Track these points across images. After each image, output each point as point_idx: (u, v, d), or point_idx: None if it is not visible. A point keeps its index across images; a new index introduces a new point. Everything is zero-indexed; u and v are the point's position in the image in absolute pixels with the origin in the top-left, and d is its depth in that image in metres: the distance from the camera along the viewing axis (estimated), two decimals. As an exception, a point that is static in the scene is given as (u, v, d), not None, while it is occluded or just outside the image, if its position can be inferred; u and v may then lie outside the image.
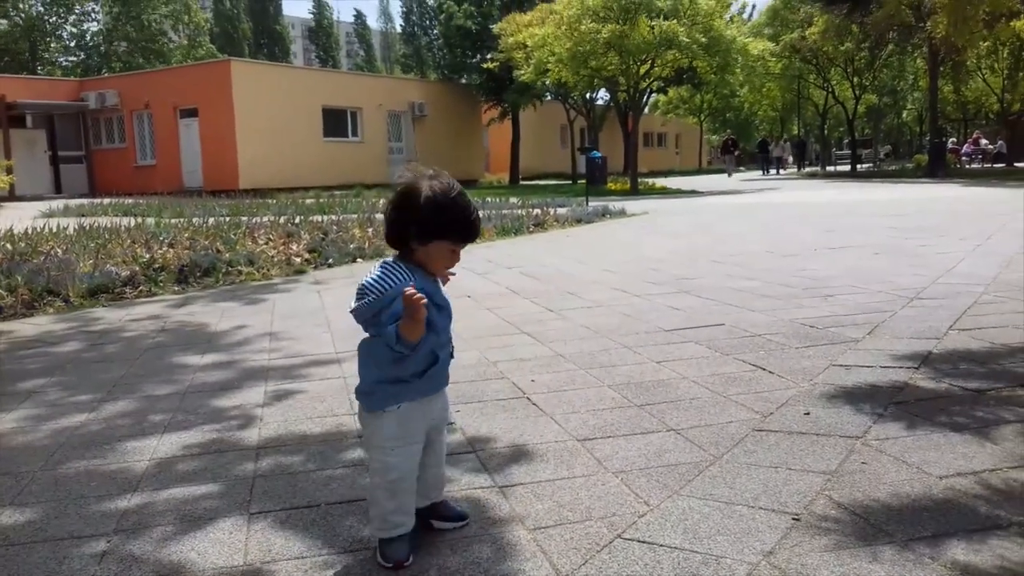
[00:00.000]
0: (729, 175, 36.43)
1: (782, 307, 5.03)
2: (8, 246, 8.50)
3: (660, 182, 27.04)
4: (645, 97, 25.93)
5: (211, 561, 2.03)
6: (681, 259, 7.71)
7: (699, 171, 48.53)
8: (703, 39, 21.29)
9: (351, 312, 1.94)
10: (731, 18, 24.92)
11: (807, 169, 43.11)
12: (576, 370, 3.71)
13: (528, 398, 3.30)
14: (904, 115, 58.69)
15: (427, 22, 51.72)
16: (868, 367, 3.52)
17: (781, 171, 39.99)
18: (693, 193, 21.84)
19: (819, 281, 5.97)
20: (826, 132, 49.88)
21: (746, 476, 2.39)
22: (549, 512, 2.21)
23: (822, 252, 7.81)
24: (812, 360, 3.69)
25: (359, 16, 73.45)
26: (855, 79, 37.39)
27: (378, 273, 1.92)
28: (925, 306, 4.86)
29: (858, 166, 38.49)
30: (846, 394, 3.14)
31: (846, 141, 48.50)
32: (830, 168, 42.50)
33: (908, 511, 2.11)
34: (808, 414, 2.92)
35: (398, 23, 67.93)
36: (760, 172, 39.98)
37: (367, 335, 2.00)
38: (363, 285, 1.91)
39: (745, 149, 68.75)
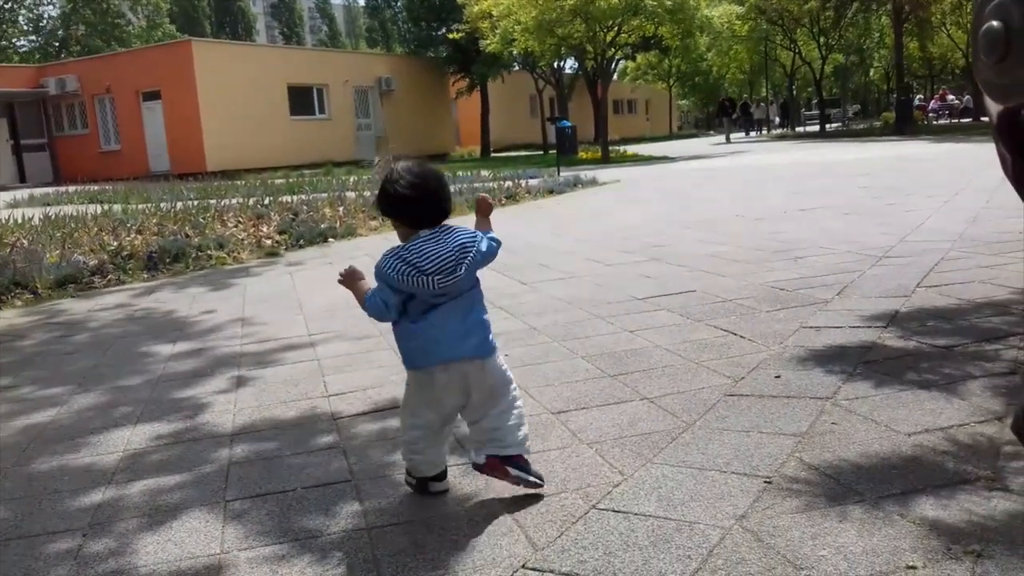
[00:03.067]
0: (727, 139, 34.66)
1: (753, 271, 5.06)
2: (-29, 239, 8.35)
3: (631, 149, 27.02)
4: (613, 64, 25.85)
5: (188, 550, 2.03)
6: (653, 226, 7.73)
7: (670, 136, 48.55)
8: (668, 3, 21.22)
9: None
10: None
11: (776, 131, 43.21)
12: (550, 343, 3.72)
13: (502, 373, 3.30)
14: (871, 73, 58.93)
15: (391, -6, 51.08)
16: (837, 328, 3.55)
17: (763, 132, 39.93)
18: (664, 159, 21.86)
19: (789, 244, 6.01)
20: (795, 93, 50.00)
21: (718, 442, 2.41)
22: (525, 486, 2.22)
23: (792, 214, 7.86)
24: (782, 323, 3.73)
25: (321, -10, 72.46)
26: (821, 39, 37.41)
27: None
28: (893, 265, 4.91)
29: (827, 126, 38.65)
30: (816, 356, 3.17)
31: (814, 102, 48.66)
32: (799, 129, 42.65)
33: (877, 469, 2.14)
34: (779, 377, 2.95)
35: (361, -3, 67.02)
36: (743, 134, 39.84)
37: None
38: None
39: (715, 113, 68.92)
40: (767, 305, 4.11)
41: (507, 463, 2.14)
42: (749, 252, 5.79)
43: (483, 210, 2.40)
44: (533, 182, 13.32)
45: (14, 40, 45.82)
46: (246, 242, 8.05)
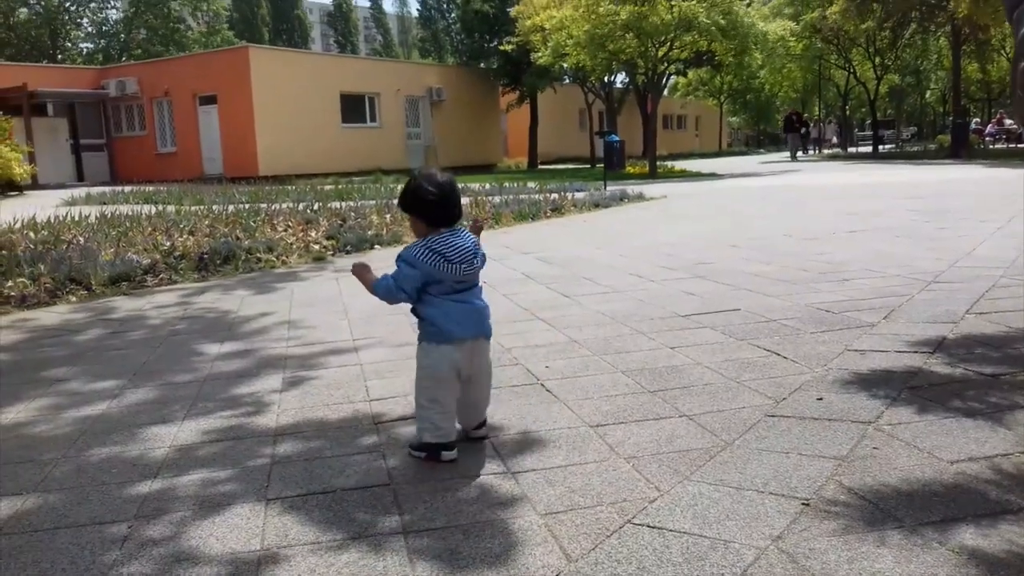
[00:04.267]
0: (793, 157, 33.10)
1: (798, 292, 5.01)
2: (31, 235, 8.61)
3: (679, 165, 26.91)
4: (664, 80, 25.73)
5: (229, 546, 2.07)
6: (698, 243, 7.69)
7: (719, 153, 48.22)
8: (722, 21, 21.10)
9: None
10: (750, 3, 24.65)
11: (829, 151, 42.67)
12: (590, 356, 3.73)
13: (542, 384, 3.33)
14: (927, 95, 57.98)
15: (444, 5, 51.54)
16: (883, 352, 3.51)
17: (816, 151, 39.26)
18: (712, 176, 21.72)
19: (836, 265, 5.95)
20: (848, 113, 49.37)
21: (757, 461, 2.40)
22: (560, 497, 2.24)
23: (840, 236, 7.76)
24: (827, 345, 3.69)
25: (375, 2, 73.29)
26: (877, 59, 36.94)
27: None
28: (942, 290, 4.83)
29: (880, 147, 38.08)
30: (860, 379, 3.14)
31: (868, 122, 47.97)
32: (852, 150, 42.07)
33: (918, 496, 2.11)
34: (821, 399, 2.93)
35: (415, 7, 67.73)
36: (811, 152, 39.12)
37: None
38: None
39: (767, 132, 68.17)
40: (812, 326, 4.07)
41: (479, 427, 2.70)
42: (795, 272, 5.73)
43: (476, 230, 2.73)
44: (579, 195, 13.33)
45: (78, 42, 47.20)
46: (295, 246, 8.18)
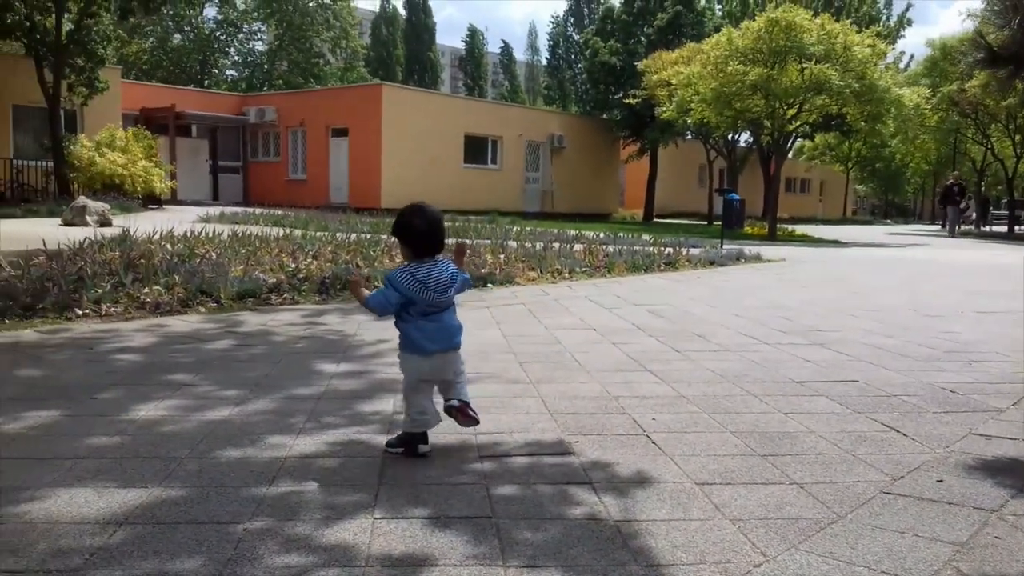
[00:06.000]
0: (951, 233, 30.02)
1: (921, 368, 4.82)
2: (168, 247, 9.14)
3: (800, 229, 26.31)
4: (790, 141, 25.31)
5: (335, 557, 2.14)
6: (816, 309, 7.49)
7: (843, 220, 46.91)
8: (856, 85, 20.63)
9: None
10: (886, 67, 24.06)
11: (964, 227, 40.93)
12: (699, 413, 3.69)
13: (648, 436, 3.31)
14: (1072, 177, 54.90)
15: (572, 56, 52.37)
16: (1011, 439, 3.34)
17: (962, 226, 37.62)
18: (835, 243, 21.13)
19: (963, 345, 5.68)
20: (983, 189, 47.27)
21: (870, 538, 2.32)
22: (662, 551, 2.22)
23: (968, 315, 7.42)
24: (950, 426, 3.53)
25: (506, 48, 75.10)
26: (1017, 137, 35.33)
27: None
28: (1081, 381, 4.55)
29: (1016, 227, 36.23)
30: (984, 465, 2.99)
31: (1004, 201, 45.77)
32: (986, 228, 40.19)
33: (1045, 594, 2.00)
34: (941, 481, 2.81)
35: (544, 56, 69.07)
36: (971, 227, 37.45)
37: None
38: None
39: (895, 202, 65.90)
40: (934, 406, 3.91)
41: (467, 406, 3.00)
42: (918, 348, 5.51)
43: (460, 252, 3.25)
44: (695, 251, 13.19)
45: (224, 69, 50.15)
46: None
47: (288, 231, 13.07)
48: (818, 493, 2.69)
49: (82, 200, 16.01)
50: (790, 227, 26.64)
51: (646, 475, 2.83)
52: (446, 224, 3.39)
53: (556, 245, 12.64)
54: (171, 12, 39.92)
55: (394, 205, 24.84)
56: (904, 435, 3.39)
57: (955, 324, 6.76)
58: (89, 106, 22.14)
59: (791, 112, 22.11)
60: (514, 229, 16.46)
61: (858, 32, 22.22)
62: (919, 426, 3.53)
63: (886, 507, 2.58)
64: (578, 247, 12.47)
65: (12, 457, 2.89)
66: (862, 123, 22.91)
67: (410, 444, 2.97)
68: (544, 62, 68.00)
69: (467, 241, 3.42)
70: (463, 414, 3.01)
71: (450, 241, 3.77)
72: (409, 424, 2.99)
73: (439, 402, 3.07)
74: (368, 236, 12.17)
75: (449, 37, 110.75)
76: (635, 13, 34.66)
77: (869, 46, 21.38)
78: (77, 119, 23.24)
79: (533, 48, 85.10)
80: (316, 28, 47.38)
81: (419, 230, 2.96)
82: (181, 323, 5.83)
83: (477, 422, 3.05)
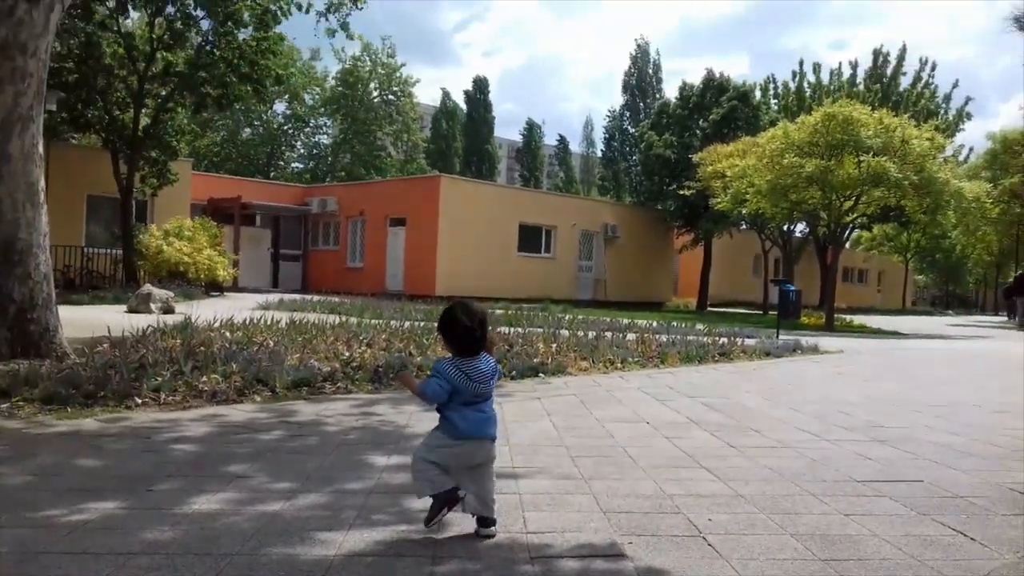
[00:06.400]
0: (1021, 325, 29.40)
1: (988, 468, 4.63)
2: (228, 334, 9.33)
3: (858, 320, 25.82)
4: (847, 232, 25.05)
5: (382, 662, 2.10)
6: (877, 404, 7.29)
7: (903, 311, 45.95)
8: (914, 177, 20.47)
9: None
10: (945, 160, 23.88)
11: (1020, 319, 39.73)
12: (756, 513, 3.58)
13: (704, 537, 3.21)
14: None
15: (627, 149, 53.13)
16: (1091, 550, 3.16)
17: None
18: (895, 334, 20.68)
19: (1036, 445, 5.45)
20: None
21: (939, 655, 2.20)
22: (718, 663, 2.14)
23: (1041, 412, 7.13)
24: (1020, 530, 3.37)
25: (562, 140, 76.56)
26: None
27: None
28: None
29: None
30: (1062, 578, 2.83)
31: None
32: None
33: None
34: (1016, 595, 2.67)
35: (599, 148, 70.23)
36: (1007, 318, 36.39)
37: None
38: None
39: (956, 293, 64.47)
40: (1004, 508, 3.74)
41: (485, 525, 3.18)
42: (986, 447, 5.31)
43: (490, 347, 3.30)
44: (749, 342, 13.01)
45: (290, 162, 52.03)
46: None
47: (344, 319, 13.26)
48: (883, 604, 2.57)
49: (147, 288, 16.51)
50: (848, 317, 26.16)
51: (701, 580, 2.74)
52: (498, 311, 3.51)
53: (608, 334, 12.58)
54: (242, 108, 41.73)
55: (448, 292, 25.15)
56: (972, 539, 3.25)
57: (1023, 421, 6.50)
58: (159, 196, 23.09)
59: (848, 204, 21.98)
60: (566, 317, 16.46)
61: (916, 127, 22.19)
62: (987, 530, 3.38)
63: (956, 621, 2.45)
64: (631, 336, 12.40)
65: (68, 552, 2.92)
66: (920, 215, 22.65)
67: (446, 500, 3.14)
68: (599, 154, 69.08)
69: (493, 334, 3.65)
70: (478, 533, 3.19)
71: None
72: (429, 487, 3.16)
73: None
74: (422, 324, 12.27)
75: (507, 130, 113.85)
76: (691, 108, 35.19)
77: (927, 139, 21.31)
78: (148, 209, 24.20)
79: (589, 140, 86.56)
80: (380, 122, 49.05)
81: (461, 332, 3.16)
82: (237, 412, 5.90)
83: (492, 536, 3.18)
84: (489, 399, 3.23)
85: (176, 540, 3.06)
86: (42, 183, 7.97)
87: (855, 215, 22.90)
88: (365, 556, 2.91)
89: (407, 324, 12.14)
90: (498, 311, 17.87)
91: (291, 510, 3.47)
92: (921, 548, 3.13)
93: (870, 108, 22.92)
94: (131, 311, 15.02)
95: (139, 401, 5.98)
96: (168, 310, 15.22)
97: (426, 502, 3.62)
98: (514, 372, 8.40)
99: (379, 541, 3.09)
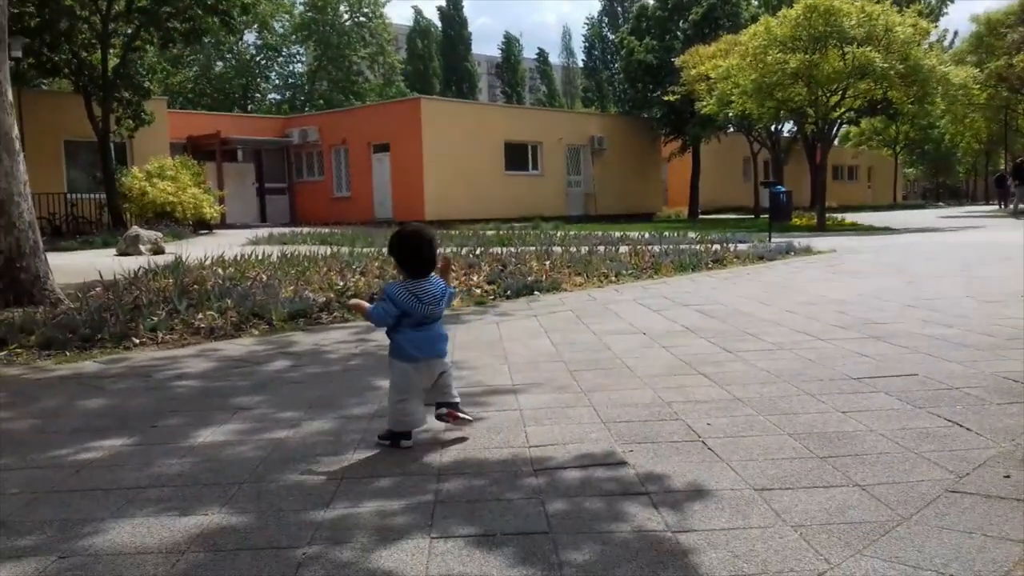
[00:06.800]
0: (1016, 213, 28.80)
1: (983, 358, 4.69)
2: (220, 271, 9.31)
3: (850, 217, 25.85)
4: (835, 129, 24.83)
5: (395, 581, 2.15)
6: (870, 301, 7.35)
7: (894, 206, 45.99)
8: (900, 66, 20.20)
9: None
10: (930, 46, 23.51)
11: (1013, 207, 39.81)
12: (755, 415, 3.63)
13: (703, 442, 3.27)
14: None
15: (608, 57, 52.26)
16: (1083, 429, 3.22)
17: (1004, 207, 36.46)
18: (886, 230, 20.73)
19: (1027, 331, 5.52)
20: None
21: (936, 540, 2.26)
22: (723, 562, 2.19)
23: (1032, 298, 7.20)
24: (1015, 418, 3.43)
25: (542, 53, 75.12)
26: (1074, 109, 34.30)
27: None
28: None
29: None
30: (1055, 458, 2.90)
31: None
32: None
33: (1126, 593, 1.93)
34: (1008, 477, 2.73)
35: (580, 58, 68.93)
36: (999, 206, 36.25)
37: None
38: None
39: (946, 184, 64.42)
40: (998, 397, 3.80)
41: (456, 409, 3.37)
42: (979, 337, 5.37)
43: (445, 268, 3.44)
44: (742, 247, 13.03)
45: (266, 93, 51.09)
46: (457, 289, 8.42)
47: (335, 249, 13.22)
48: (881, 495, 2.63)
49: (135, 230, 16.41)
50: (839, 216, 26.18)
51: (703, 483, 2.79)
52: (489, 232, 3.50)
53: (601, 248, 12.59)
54: (212, 40, 40.74)
55: (438, 217, 25.08)
56: (968, 430, 3.30)
57: (1015, 309, 6.57)
58: (137, 137, 22.73)
59: (835, 99, 21.74)
60: (558, 234, 16.44)
61: (899, 12, 21.78)
62: (983, 419, 3.44)
63: (952, 506, 2.51)
64: (623, 249, 12.41)
65: (78, 489, 2.96)
66: (909, 105, 22.44)
67: (395, 439, 3.30)
68: (580, 64, 67.90)
69: (450, 254, 3.83)
70: (453, 417, 3.37)
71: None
72: (394, 424, 3.30)
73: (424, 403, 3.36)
74: (414, 250, 12.23)
75: (485, 46, 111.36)
76: (670, 9, 34.44)
77: (911, 26, 20.96)
78: (127, 151, 23.86)
79: (568, 51, 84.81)
80: (353, 46, 47.99)
81: (413, 251, 3.28)
82: (235, 347, 5.92)
83: (469, 421, 3.43)
84: (438, 321, 3.35)
85: (184, 472, 3.10)
86: (15, 131, 7.81)
87: (842, 110, 22.67)
88: (372, 478, 2.95)
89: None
90: (489, 232, 17.82)
91: (296, 437, 3.52)
92: (917, 441, 3.19)
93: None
94: (120, 254, 14.95)
95: (136, 341, 6.00)
96: (158, 251, 15.15)
97: (432, 427, 3.67)
98: (509, 292, 8.43)
99: (386, 462, 3.13)
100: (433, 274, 3.32)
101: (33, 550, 2.41)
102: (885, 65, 19.81)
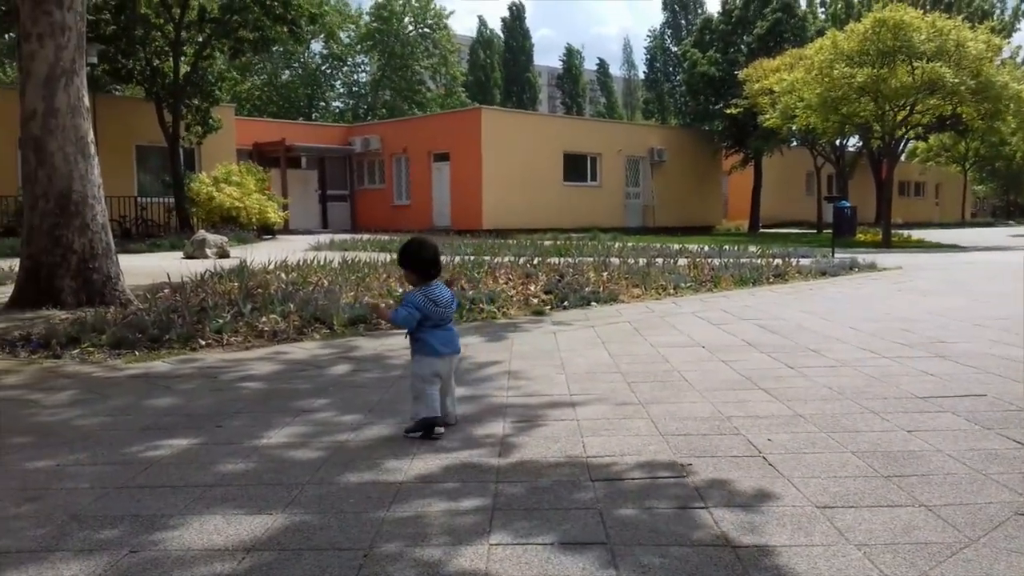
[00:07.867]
0: None
1: (1057, 381, 4.55)
2: (283, 276, 9.49)
3: (916, 234, 25.26)
4: (902, 144, 24.30)
5: (455, 584, 2.18)
6: (937, 320, 7.17)
7: (962, 224, 44.76)
8: (971, 82, 19.69)
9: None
10: (1002, 62, 22.86)
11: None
12: (816, 432, 3.58)
13: (764, 457, 3.23)
14: None
15: (670, 69, 51.97)
16: None
17: None
18: (954, 248, 20.19)
19: (1104, 354, 5.33)
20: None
21: (1006, 563, 2.21)
22: (784, 577, 2.17)
23: (1109, 321, 6.95)
24: (1092, 443, 3.32)
25: (602, 64, 75.03)
26: None
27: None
28: None
29: None
30: None
31: None
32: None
33: None
34: (1085, 504, 2.64)
35: (641, 70, 68.70)
36: None
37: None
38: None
39: (1018, 202, 62.55)
40: (1073, 421, 3.68)
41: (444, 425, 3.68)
42: (1053, 359, 5.20)
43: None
44: (804, 262, 12.82)
45: (331, 102, 51.97)
46: (515, 299, 8.46)
47: (394, 256, 13.33)
48: (948, 516, 2.57)
49: (202, 234, 16.82)
50: (905, 232, 25.60)
51: (764, 499, 2.76)
52: (547, 242, 3.59)
53: (659, 260, 12.51)
54: (279, 50, 41.60)
55: (496, 226, 25.18)
56: (1041, 453, 3.21)
57: (1093, 331, 6.34)
58: (205, 143, 23.33)
59: (902, 114, 21.29)
60: (616, 245, 16.37)
61: (971, 28, 21.26)
62: (1057, 443, 3.34)
63: (1022, 529, 2.44)
64: (682, 261, 12.31)
65: (147, 485, 3.05)
66: (979, 122, 21.85)
67: (428, 429, 3.57)
68: (641, 76, 67.63)
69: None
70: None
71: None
72: (427, 411, 3.59)
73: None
74: (472, 258, 12.33)
75: (546, 57, 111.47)
76: (734, 22, 34.17)
77: (983, 42, 20.44)
78: (195, 156, 24.50)
79: (629, 63, 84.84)
80: (417, 56, 48.58)
81: (427, 259, 3.68)
82: (299, 350, 6.03)
83: (442, 435, 3.67)
84: (451, 322, 3.75)
85: (248, 472, 3.18)
86: (91, 135, 8.10)
87: (910, 125, 22.18)
88: (432, 482, 2.99)
89: (456, 259, 12.20)
90: (547, 242, 17.83)
91: (358, 440, 3.58)
92: (985, 462, 3.11)
93: (922, 11, 22.00)
94: (187, 257, 15.35)
95: (203, 343, 6.15)
96: (223, 254, 15.52)
97: (486, 427, 3.70)
98: (566, 302, 8.42)
99: (445, 467, 3.17)
100: (438, 281, 3.72)
101: (104, 544, 2.50)
102: (956, 81, 19.33)
